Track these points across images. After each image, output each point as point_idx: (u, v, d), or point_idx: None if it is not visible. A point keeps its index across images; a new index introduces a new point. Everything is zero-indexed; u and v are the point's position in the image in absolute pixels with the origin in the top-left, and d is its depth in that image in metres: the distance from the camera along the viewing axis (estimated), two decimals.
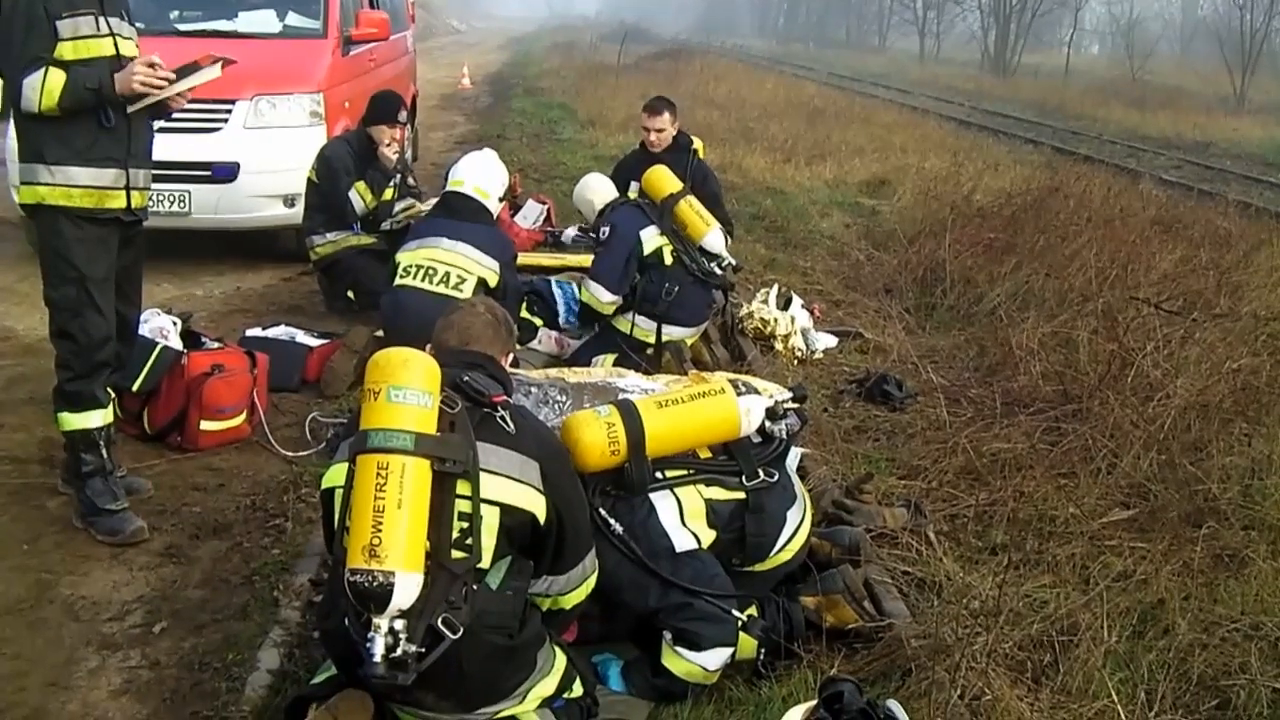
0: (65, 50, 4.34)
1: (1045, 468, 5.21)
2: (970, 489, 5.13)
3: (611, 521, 3.66)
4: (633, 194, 6.94)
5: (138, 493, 4.96)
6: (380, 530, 2.71)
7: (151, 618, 4.14)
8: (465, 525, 2.92)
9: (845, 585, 3.99)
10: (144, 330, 5.32)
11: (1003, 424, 5.66)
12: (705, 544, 3.78)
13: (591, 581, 3.42)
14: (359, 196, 7.39)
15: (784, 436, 4.04)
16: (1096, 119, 26.89)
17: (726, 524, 3.82)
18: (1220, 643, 3.90)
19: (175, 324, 5.71)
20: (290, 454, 5.51)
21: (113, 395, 4.84)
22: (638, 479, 3.70)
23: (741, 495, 3.86)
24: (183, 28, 9.13)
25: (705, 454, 3.91)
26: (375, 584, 2.68)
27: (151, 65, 4.47)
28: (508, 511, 3.02)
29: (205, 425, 5.49)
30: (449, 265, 6.10)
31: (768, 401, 4.04)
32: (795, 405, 4.18)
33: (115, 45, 4.50)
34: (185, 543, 4.69)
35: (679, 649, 3.62)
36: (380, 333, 6.37)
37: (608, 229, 6.50)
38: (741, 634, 3.72)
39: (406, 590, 2.72)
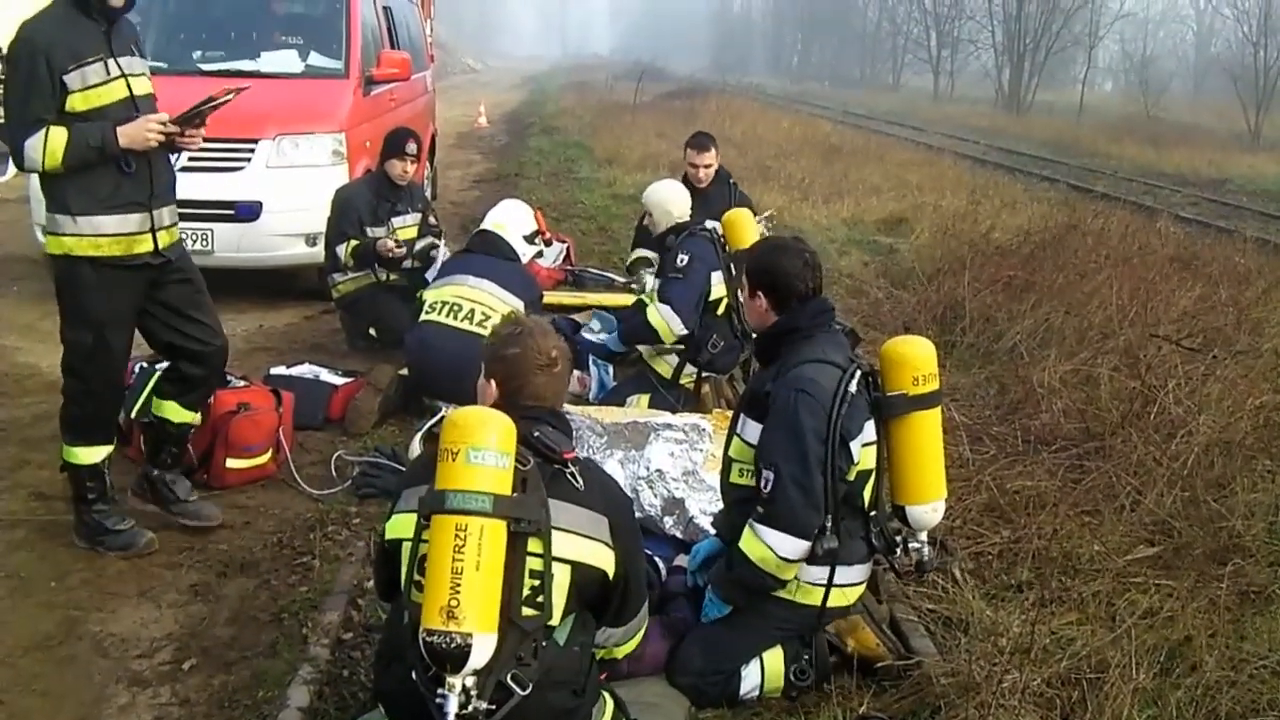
0: (76, 102, 4.32)
1: (1069, 505, 5.20)
2: (994, 526, 5.13)
3: None
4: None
5: (208, 520, 5.11)
6: (459, 592, 2.72)
7: (180, 655, 4.15)
8: (536, 584, 2.93)
9: (864, 606, 4.04)
10: None
11: (1026, 462, 5.66)
12: None
13: (643, 632, 3.42)
14: (345, 251, 7.36)
15: None
16: (1112, 156, 26.91)
17: None
18: (1248, 680, 3.89)
19: None
20: (316, 492, 5.53)
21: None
22: None
23: None
24: (205, 67, 9.20)
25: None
26: (453, 645, 2.71)
27: (162, 123, 4.46)
28: (579, 569, 3.02)
29: (231, 463, 5.53)
30: (474, 302, 6.17)
31: None
32: None
33: (128, 86, 4.47)
34: (213, 580, 4.71)
35: (758, 527, 3.70)
36: (404, 370, 6.42)
37: (686, 258, 6.38)
38: (769, 663, 3.82)
39: (483, 651, 2.75)
